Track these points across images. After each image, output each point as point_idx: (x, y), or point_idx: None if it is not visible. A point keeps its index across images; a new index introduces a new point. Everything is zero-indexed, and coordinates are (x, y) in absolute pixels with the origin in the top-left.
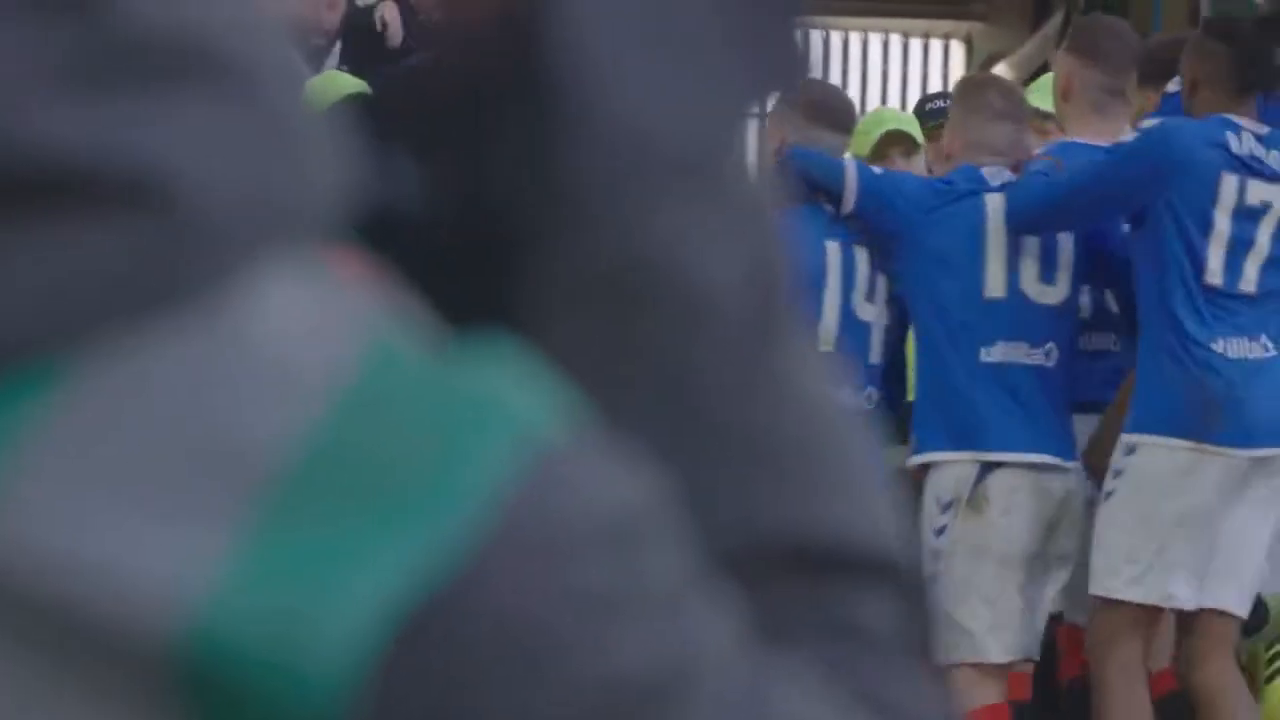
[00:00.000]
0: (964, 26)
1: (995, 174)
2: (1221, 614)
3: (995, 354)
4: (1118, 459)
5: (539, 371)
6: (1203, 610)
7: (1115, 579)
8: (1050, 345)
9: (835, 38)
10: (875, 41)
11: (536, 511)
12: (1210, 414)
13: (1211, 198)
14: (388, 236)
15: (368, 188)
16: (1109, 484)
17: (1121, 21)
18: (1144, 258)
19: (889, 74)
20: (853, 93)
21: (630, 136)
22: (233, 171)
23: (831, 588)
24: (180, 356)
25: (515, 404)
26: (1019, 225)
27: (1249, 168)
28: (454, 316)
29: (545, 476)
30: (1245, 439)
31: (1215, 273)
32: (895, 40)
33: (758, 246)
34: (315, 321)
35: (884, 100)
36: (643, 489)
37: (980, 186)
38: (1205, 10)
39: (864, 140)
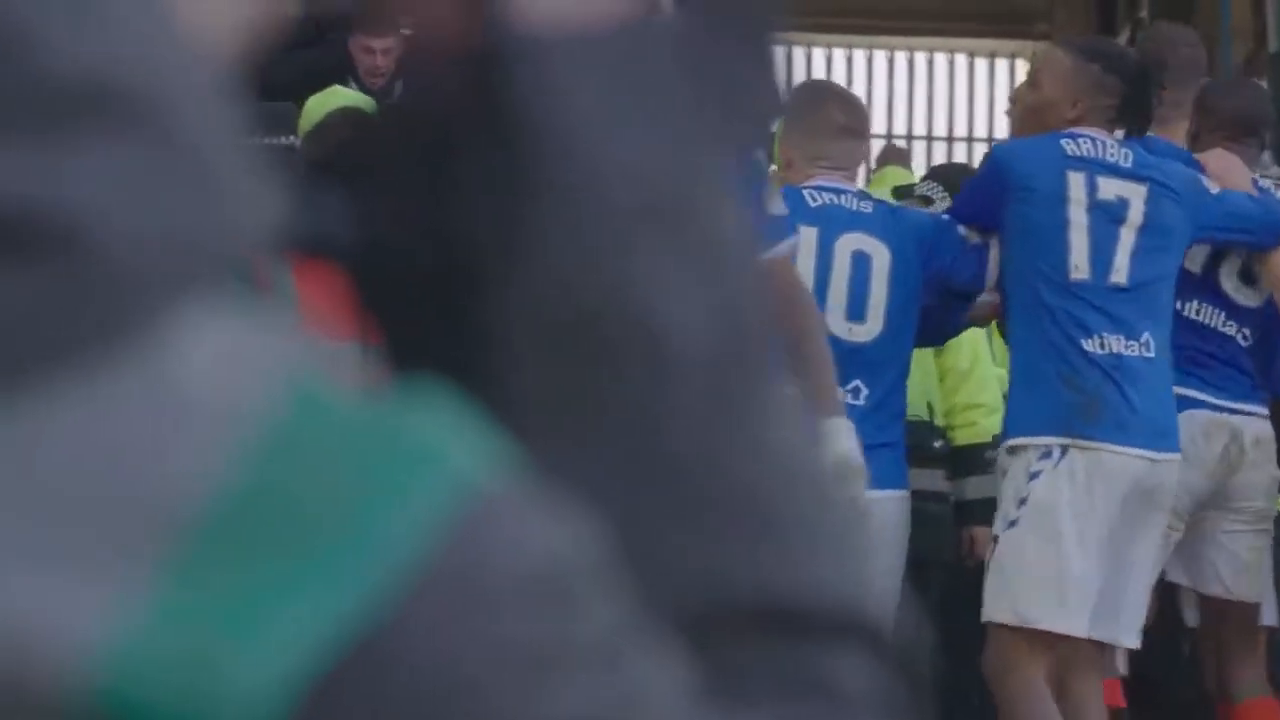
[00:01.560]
0: (1029, 46)
1: (816, 192)
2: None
3: None
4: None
5: (472, 418)
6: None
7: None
8: (856, 383)
9: (901, 58)
10: (941, 61)
11: (463, 561)
12: (1089, 409)
13: (1062, 196)
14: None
15: (303, 224)
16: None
17: (1189, 32)
18: (1010, 263)
19: (955, 93)
20: (919, 111)
21: (597, 181)
22: (143, 213)
23: (797, 646)
24: (92, 402)
25: (446, 451)
26: None
27: (1093, 164)
28: (412, 360)
29: (474, 525)
30: (1124, 438)
31: (1080, 268)
32: (961, 60)
33: (730, 293)
34: (236, 364)
35: (950, 118)
36: (575, 539)
37: (796, 215)
38: (1273, 34)
39: None
